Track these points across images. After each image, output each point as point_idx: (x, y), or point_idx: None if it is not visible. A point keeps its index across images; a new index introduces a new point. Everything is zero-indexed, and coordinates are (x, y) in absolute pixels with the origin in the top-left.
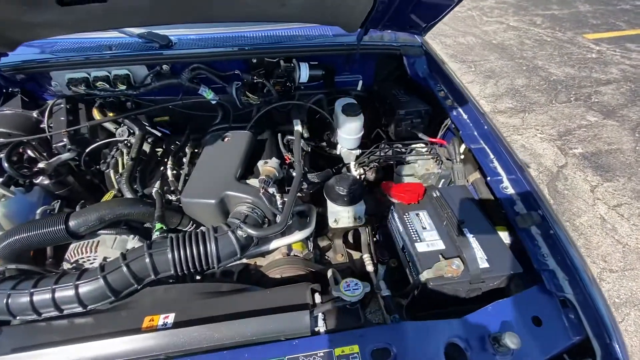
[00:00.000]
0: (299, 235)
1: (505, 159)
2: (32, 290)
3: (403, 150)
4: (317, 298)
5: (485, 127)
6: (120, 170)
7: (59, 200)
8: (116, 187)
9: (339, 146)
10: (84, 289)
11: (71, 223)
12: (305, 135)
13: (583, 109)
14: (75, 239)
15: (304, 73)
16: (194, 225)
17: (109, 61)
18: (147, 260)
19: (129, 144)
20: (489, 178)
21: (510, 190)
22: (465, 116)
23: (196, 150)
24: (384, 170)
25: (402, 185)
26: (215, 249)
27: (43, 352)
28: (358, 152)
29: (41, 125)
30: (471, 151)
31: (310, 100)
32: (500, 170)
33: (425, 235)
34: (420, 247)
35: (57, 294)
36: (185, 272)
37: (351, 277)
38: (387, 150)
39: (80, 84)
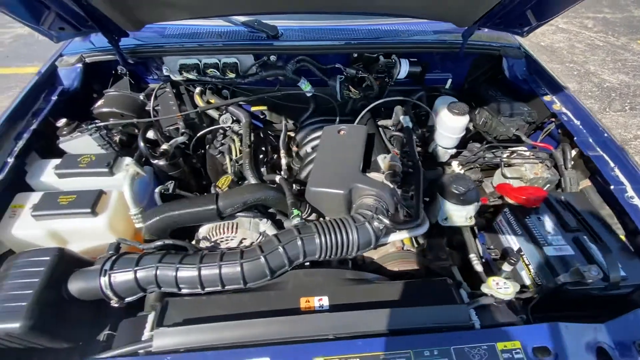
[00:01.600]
0: (419, 230)
1: (630, 168)
2: (200, 266)
3: (507, 152)
4: (463, 294)
5: (605, 134)
6: (233, 156)
7: (173, 181)
8: (230, 171)
9: (433, 144)
10: (247, 267)
11: (220, 204)
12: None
13: (639, 119)
14: (219, 220)
15: (403, 69)
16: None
17: (221, 49)
18: (299, 243)
19: (238, 132)
20: (612, 187)
21: (637, 201)
22: (577, 122)
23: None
24: (483, 172)
25: (523, 189)
26: (357, 238)
27: (216, 325)
28: (453, 151)
29: (146, 108)
30: (585, 158)
31: (415, 96)
32: (623, 179)
33: (552, 240)
34: (549, 251)
35: (224, 270)
36: (328, 257)
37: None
38: (495, 151)
39: (191, 70)
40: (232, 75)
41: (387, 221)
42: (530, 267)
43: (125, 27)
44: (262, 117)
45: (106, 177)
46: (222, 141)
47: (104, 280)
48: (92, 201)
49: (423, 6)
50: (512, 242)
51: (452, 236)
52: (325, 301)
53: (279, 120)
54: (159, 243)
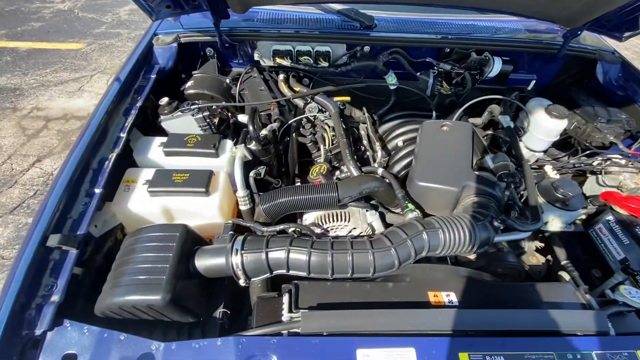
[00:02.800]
0: (528, 233)
1: None
2: (333, 252)
3: (599, 159)
4: (590, 299)
5: None
6: (327, 146)
7: (264, 167)
8: (322, 159)
9: (521, 145)
10: (378, 256)
11: (340, 192)
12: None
13: None
14: (337, 207)
15: (496, 67)
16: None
17: (316, 37)
18: (425, 236)
19: (324, 121)
20: None
21: None
22: None
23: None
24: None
25: (635, 198)
26: (477, 236)
27: (360, 312)
28: (541, 155)
29: (232, 92)
30: None
31: (512, 95)
32: None
33: None
34: None
35: (356, 258)
36: (447, 253)
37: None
38: (603, 158)
39: (285, 57)
40: (325, 64)
41: (508, 222)
42: (638, 277)
43: (233, 9)
44: (342, 107)
45: (211, 158)
46: (310, 130)
47: (235, 259)
48: (206, 181)
49: (534, 4)
50: (616, 252)
51: (541, 239)
52: (453, 297)
53: (354, 111)
54: (282, 226)
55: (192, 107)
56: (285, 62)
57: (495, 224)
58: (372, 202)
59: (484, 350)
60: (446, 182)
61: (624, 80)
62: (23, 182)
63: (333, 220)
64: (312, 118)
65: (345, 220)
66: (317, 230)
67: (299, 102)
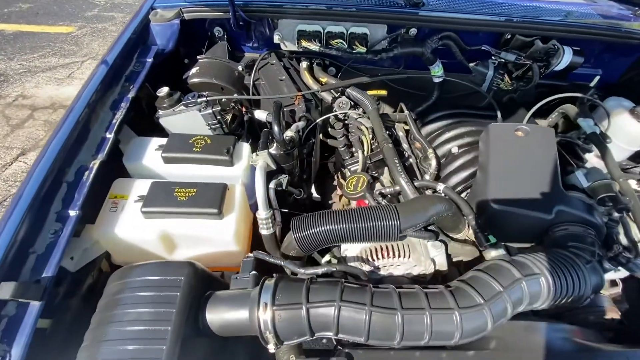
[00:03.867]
0: None
1: None
2: (404, 313)
3: None
4: None
5: None
6: (366, 151)
7: (286, 176)
8: (360, 168)
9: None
10: (466, 317)
11: (402, 220)
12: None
13: None
14: (396, 240)
15: (565, 59)
16: None
17: (352, 15)
18: (525, 287)
19: (358, 119)
20: None
21: None
22: None
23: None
24: None
25: None
26: (589, 283)
27: None
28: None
29: (244, 82)
30: None
31: (589, 93)
32: None
33: None
34: None
35: (435, 320)
36: (547, 307)
37: None
38: None
39: (313, 39)
40: (362, 50)
41: (627, 266)
42: None
43: None
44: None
45: (225, 166)
46: (344, 131)
47: (264, 315)
48: (219, 198)
49: None
50: None
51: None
52: None
53: (390, 108)
54: (325, 269)
55: (200, 99)
56: (314, 46)
57: (607, 265)
58: (431, 227)
59: None
60: (534, 205)
61: None
62: (5, 177)
63: (387, 256)
64: (342, 116)
65: (404, 255)
66: (366, 268)
67: (326, 97)
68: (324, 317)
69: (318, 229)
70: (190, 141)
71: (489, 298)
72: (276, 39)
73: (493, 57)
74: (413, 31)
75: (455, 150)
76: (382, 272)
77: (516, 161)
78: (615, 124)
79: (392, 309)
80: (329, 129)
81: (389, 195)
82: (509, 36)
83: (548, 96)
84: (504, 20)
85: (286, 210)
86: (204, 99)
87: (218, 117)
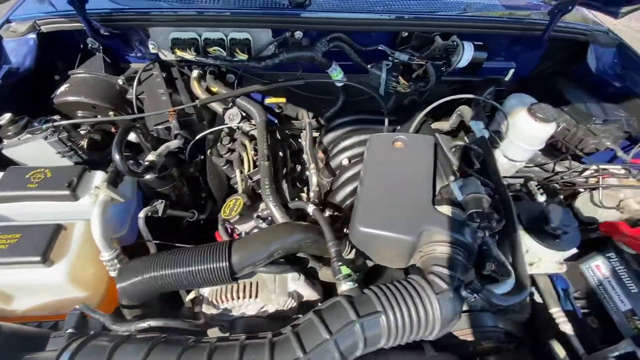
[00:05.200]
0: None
1: None
2: None
3: (591, 170)
4: None
5: None
6: (245, 170)
7: (162, 201)
8: (240, 189)
9: (497, 154)
10: None
11: (234, 259)
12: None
13: None
14: (231, 281)
15: (466, 55)
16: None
17: (228, 20)
18: (358, 330)
19: (249, 133)
20: None
21: None
22: None
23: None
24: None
25: None
26: (439, 314)
27: None
28: (522, 165)
29: (127, 96)
30: None
31: (485, 92)
32: None
33: None
34: None
35: None
36: (394, 344)
37: None
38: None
39: (188, 48)
40: (243, 57)
41: (481, 294)
42: None
43: None
44: (278, 111)
45: (68, 201)
46: (229, 146)
47: None
48: (44, 245)
49: None
50: (619, 299)
51: None
52: None
53: (295, 114)
54: (142, 325)
55: (45, 125)
56: (189, 56)
57: (464, 293)
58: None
59: None
60: (396, 227)
61: (621, 67)
62: None
63: (233, 298)
64: (235, 128)
65: (250, 296)
66: (212, 311)
67: (217, 108)
68: None
69: (141, 277)
70: (27, 175)
71: (310, 349)
72: (151, 48)
73: (390, 58)
74: (299, 34)
75: (345, 162)
76: (234, 312)
77: (390, 176)
78: (514, 123)
79: None
80: (218, 145)
81: (269, 218)
82: (406, 34)
83: (464, 93)
84: (395, 18)
85: (157, 242)
86: (49, 124)
87: (69, 144)
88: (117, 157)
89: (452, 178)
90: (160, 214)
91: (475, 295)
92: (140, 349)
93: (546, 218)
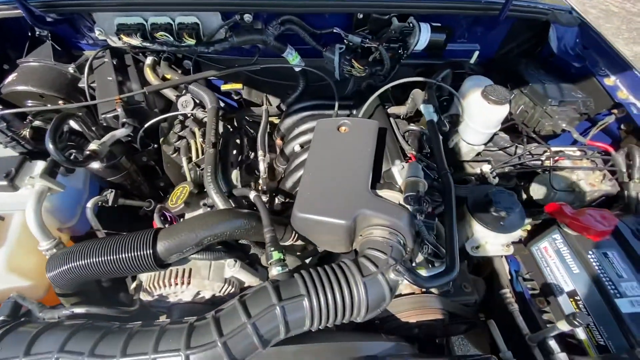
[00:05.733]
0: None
1: None
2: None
3: (547, 152)
4: None
5: None
6: (193, 157)
7: (113, 190)
8: (188, 177)
9: (455, 137)
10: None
11: (160, 247)
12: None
13: None
14: (159, 269)
15: (423, 37)
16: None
17: (174, 4)
18: (278, 312)
19: (202, 120)
20: None
21: None
22: None
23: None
24: (518, 179)
25: (587, 215)
26: (364, 297)
27: None
28: (481, 148)
29: (79, 84)
30: None
31: (438, 75)
32: None
33: (625, 288)
34: (623, 306)
35: None
36: (321, 327)
37: None
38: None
39: (134, 33)
40: (191, 42)
41: (407, 276)
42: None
43: None
44: (237, 98)
45: (6, 192)
46: (180, 133)
47: None
48: None
49: None
50: (563, 280)
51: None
52: None
53: (258, 100)
54: (65, 312)
55: None
56: (135, 41)
57: (392, 276)
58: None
59: None
60: (331, 212)
61: (582, 47)
62: None
63: (166, 285)
64: (189, 115)
65: (183, 283)
66: (147, 298)
67: (170, 95)
68: None
69: (67, 266)
70: None
71: (227, 332)
72: (98, 34)
73: (345, 41)
74: (248, 17)
75: (297, 148)
76: (171, 299)
77: (332, 160)
78: (469, 105)
79: (110, 357)
80: (170, 133)
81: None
82: (362, 16)
83: (428, 76)
84: (347, 1)
85: (107, 231)
86: None
87: (10, 135)
88: (50, 146)
89: (397, 162)
90: (110, 204)
91: (403, 277)
92: (63, 335)
93: (490, 201)
